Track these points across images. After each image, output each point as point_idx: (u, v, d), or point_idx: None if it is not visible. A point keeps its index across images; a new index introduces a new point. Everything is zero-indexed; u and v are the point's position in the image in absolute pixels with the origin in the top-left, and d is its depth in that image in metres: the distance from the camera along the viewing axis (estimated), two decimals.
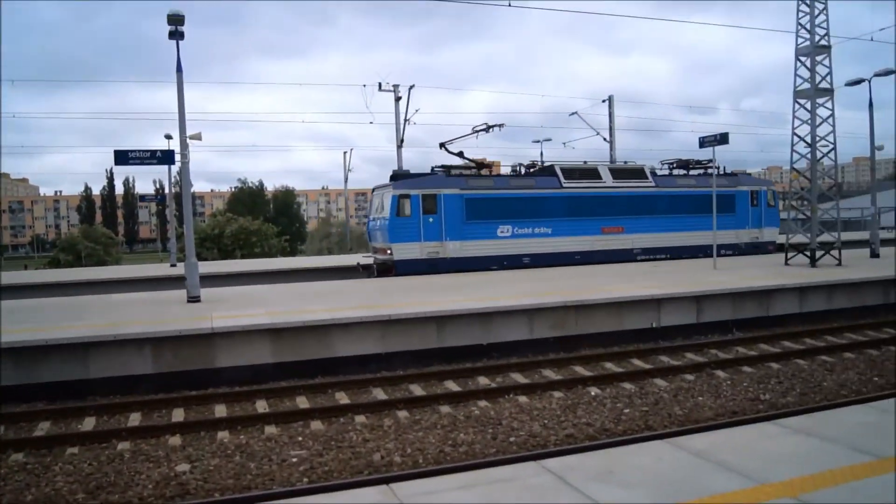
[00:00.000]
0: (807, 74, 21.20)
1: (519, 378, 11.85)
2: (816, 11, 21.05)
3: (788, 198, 22.38)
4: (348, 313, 12.75)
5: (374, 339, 12.55)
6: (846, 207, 66.49)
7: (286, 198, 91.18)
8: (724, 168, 29.24)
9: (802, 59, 21.31)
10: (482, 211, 23.08)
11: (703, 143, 20.33)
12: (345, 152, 50.56)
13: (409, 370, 12.33)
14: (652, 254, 25.57)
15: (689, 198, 26.27)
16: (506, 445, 8.57)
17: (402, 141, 28.07)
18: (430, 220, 22.48)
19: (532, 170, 25.83)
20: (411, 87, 27.67)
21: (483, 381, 11.72)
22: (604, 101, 35.20)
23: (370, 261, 24.25)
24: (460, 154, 25.33)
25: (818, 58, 21.08)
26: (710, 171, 27.89)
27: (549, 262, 23.96)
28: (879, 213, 37.45)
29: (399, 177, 23.76)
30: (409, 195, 22.33)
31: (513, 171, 26.15)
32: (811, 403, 9.98)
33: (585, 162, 25.79)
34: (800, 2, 21.20)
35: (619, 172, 25.97)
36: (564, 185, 24.54)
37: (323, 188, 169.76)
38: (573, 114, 35.55)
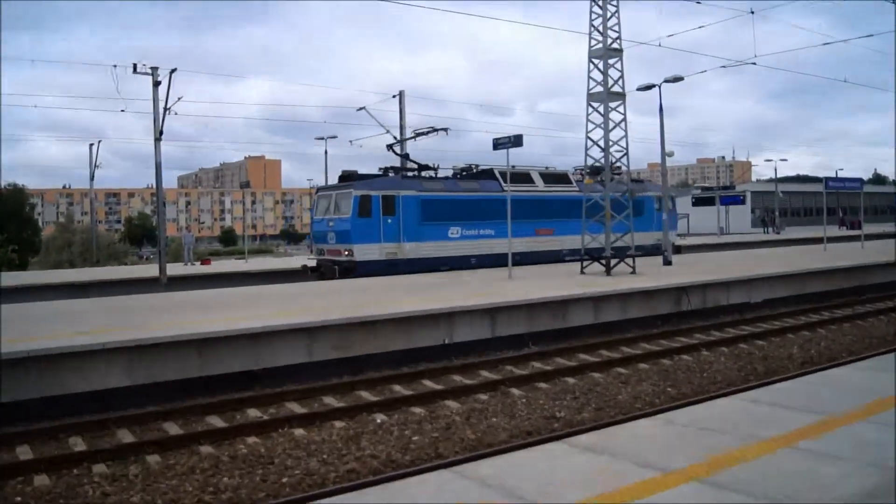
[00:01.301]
0: (599, 77, 22.93)
1: (295, 408, 11.58)
2: (609, 14, 22.85)
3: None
4: (83, 339, 11.77)
5: (119, 371, 11.68)
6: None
7: (15, 198, 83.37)
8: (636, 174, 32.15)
9: (595, 61, 23.02)
10: (436, 213, 25.89)
11: (497, 144, 21.26)
12: (91, 145, 47.16)
13: (163, 405, 11.62)
14: (578, 254, 27.72)
15: (617, 202, 28.71)
16: (277, 488, 8.29)
17: (161, 133, 26.68)
18: (389, 221, 25.07)
19: (464, 173, 28.81)
20: (173, 70, 26.42)
21: (253, 413, 11.33)
22: (394, 96, 35.80)
23: (314, 263, 26.48)
24: (406, 156, 28.02)
25: (610, 61, 22.88)
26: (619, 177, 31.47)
27: (492, 262, 26.91)
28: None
29: (349, 177, 25.93)
30: (371, 196, 24.76)
31: (454, 175, 29.18)
32: (606, 418, 10.66)
33: (514, 167, 28.29)
34: (592, 3, 22.90)
35: (549, 177, 29.59)
36: (505, 188, 27.10)
37: (64, 187, 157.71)
38: (361, 109, 35.81)
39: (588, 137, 23.22)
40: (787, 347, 15.80)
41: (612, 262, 22.87)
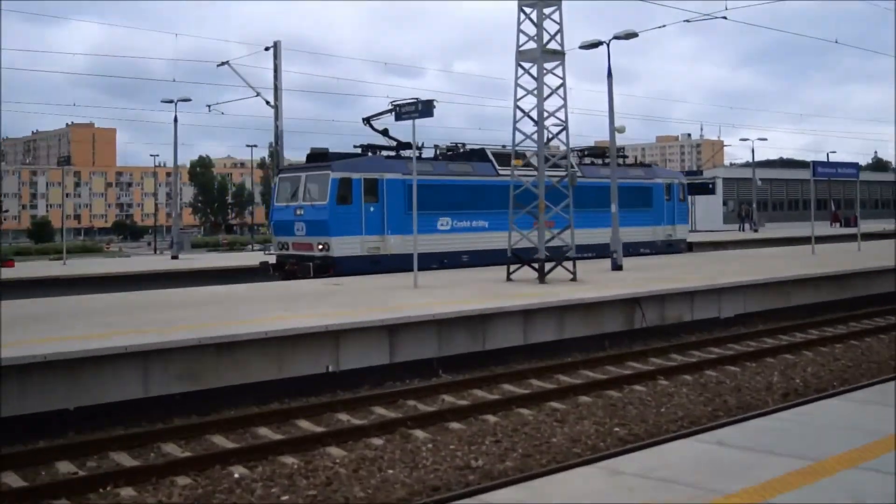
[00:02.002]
0: (532, 31, 23.12)
1: (123, 459, 11.27)
2: None
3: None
4: None
5: None
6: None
7: None
8: (637, 158, 36.07)
9: (527, 10, 23.20)
10: (425, 200, 26.84)
11: (401, 113, 21.22)
12: None
13: None
14: (580, 252, 30.36)
15: (623, 190, 32.09)
16: None
17: None
18: (372, 209, 27.33)
19: (451, 153, 31.78)
20: None
21: (65, 467, 10.95)
22: (267, 48, 35.42)
23: (274, 259, 28.58)
24: (385, 132, 30.16)
25: (546, 10, 23.08)
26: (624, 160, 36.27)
27: (487, 260, 29.18)
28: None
29: (321, 156, 28.29)
30: (352, 179, 27.02)
31: (436, 155, 32.13)
32: (535, 468, 10.69)
33: (504, 146, 31.38)
34: None
35: (546, 160, 30.66)
36: (500, 172, 30.39)
37: None
38: (223, 64, 35.33)
39: (517, 107, 23.45)
40: (765, 375, 16.22)
41: (547, 266, 23.07)
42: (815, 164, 35.96)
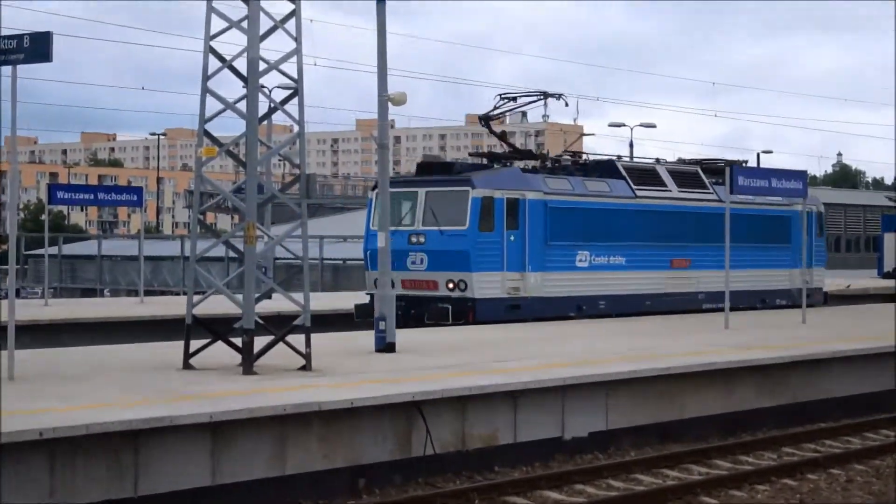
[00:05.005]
0: None
1: None
2: None
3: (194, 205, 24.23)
4: None
5: None
6: (334, 236, 75.26)
7: None
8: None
9: None
10: (566, 227, 36.82)
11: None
12: None
13: None
14: (716, 300, 38.14)
15: (761, 219, 41.34)
16: None
17: None
18: (512, 238, 35.57)
19: (577, 164, 40.94)
20: None
21: None
22: None
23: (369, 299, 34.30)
24: (503, 136, 40.02)
25: None
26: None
27: (622, 308, 39.34)
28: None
29: (443, 167, 36.73)
30: (493, 199, 35.08)
31: (552, 165, 40.96)
32: None
33: (619, 157, 40.01)
34: None
35: (680, 177, 42.94)
36: (638, 193, 40.12)
37: None
38: None
39: (211, 50, 23.28)
40: None
41: (260, 343, 22.85)
42: (735, 171, 36.51)
